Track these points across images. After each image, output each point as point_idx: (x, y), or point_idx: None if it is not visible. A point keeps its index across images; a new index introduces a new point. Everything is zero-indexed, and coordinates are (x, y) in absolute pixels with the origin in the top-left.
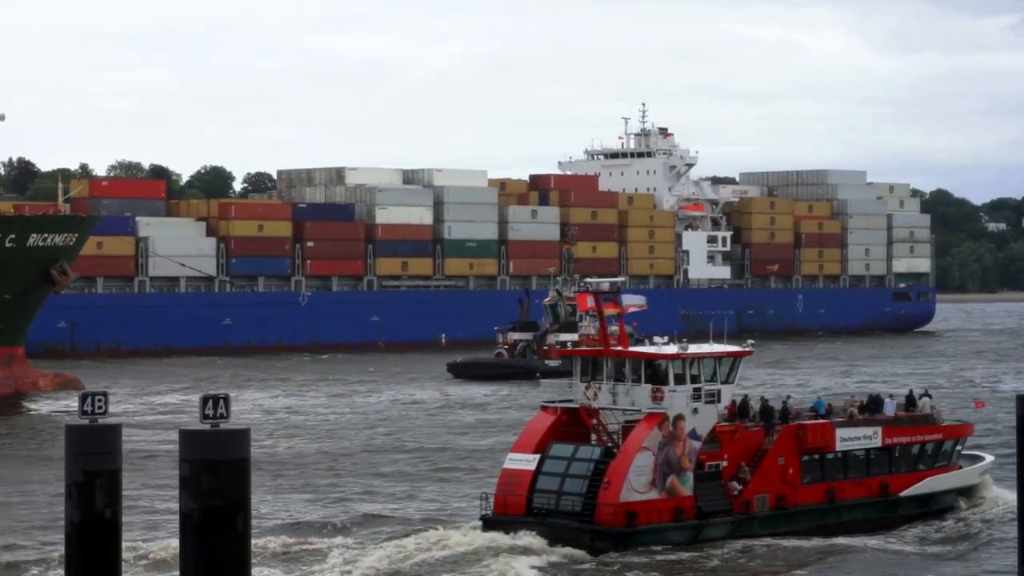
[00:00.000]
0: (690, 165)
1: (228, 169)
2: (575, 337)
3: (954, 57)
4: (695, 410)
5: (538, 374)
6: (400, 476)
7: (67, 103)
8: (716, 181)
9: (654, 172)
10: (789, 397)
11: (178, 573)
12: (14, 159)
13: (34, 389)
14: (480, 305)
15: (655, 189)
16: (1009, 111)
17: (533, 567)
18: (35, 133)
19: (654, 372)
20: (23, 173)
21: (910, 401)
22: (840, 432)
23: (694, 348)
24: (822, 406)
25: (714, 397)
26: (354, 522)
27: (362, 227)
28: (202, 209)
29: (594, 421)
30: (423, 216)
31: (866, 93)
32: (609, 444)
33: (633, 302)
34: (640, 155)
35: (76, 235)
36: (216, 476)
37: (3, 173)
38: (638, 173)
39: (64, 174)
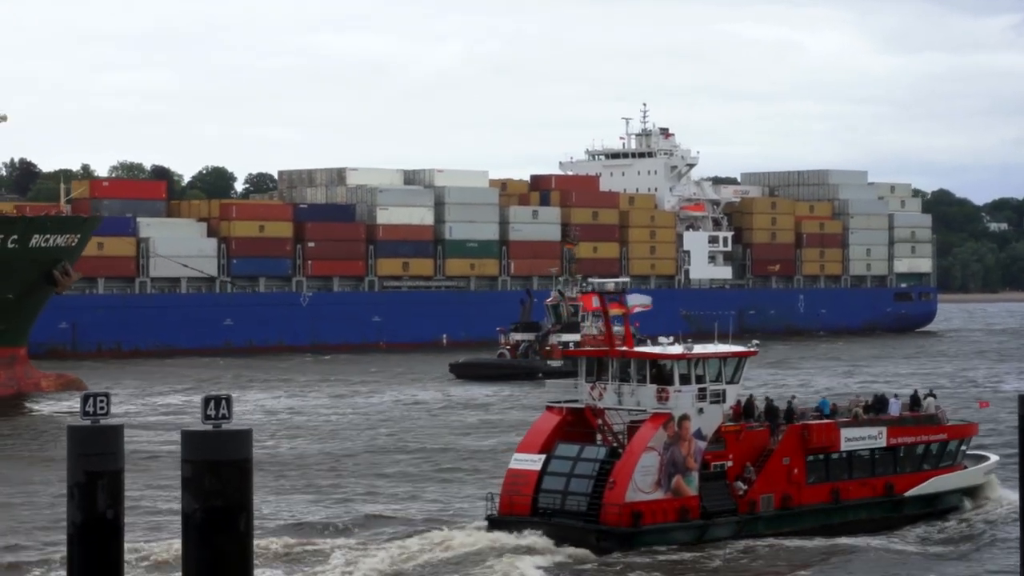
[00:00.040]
0: (691, 165)
1: (230, 170)
2: (577, 337)
3: (955, 57)
4: (700, 410)
5: (540, 374)
6: (402, 476)
7: (67, 103)
8: (717, 181)
9: (655, 172)
10: (794, 397)
11: (180, 574)
12: (15, 160)
13: (36, 390)
14: (481, 305)
15: (656, 189)
16: (1010, 111)
17: (538, 567)
18: (36, 134)
19: (659, 372)
20: (25, 174)
21: (915, 401)
22: (845, 432)
23: (699, 348)
24: (827, 406)
25: (719, 397)
26: (356, 523)
27: (363, 227)
28: (203, 210)
29: (599, 421)
30: (424, 216)
31: (867, 93)
32: (614, 444)
33: (638, 302)
34: (641, 155)
35: (78, 236)
36: (218, 477)
37: (4, 174)
38: (639, 173)
39: (66, 175)
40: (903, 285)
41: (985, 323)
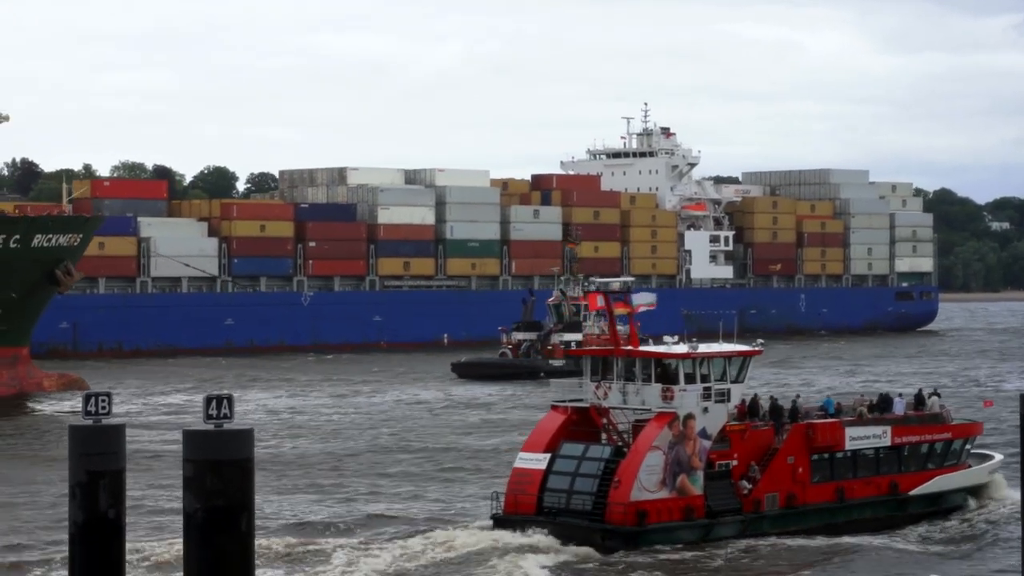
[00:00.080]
0: (692, 165)
1: (231, 169)
2: (579, 337)
3: (955, 57)
4: (705, 409)
5: (542, 374)
6: (405, 476)
7: (67, 103)
8: (718, 181)
9: (656, 172)
10: (798, 396)
11: (182, 573)
12: (17, 160)
13: (39, 389)
14: (482, 305)
15: (657, 189)
16: (1010, 111)
17: (543, 566)
18: (36, 134)
19: (664, 371)
20: (26, 173)
21: (919, 400)
22: (850, 431)
23: (704, 347)
24: (831, 405)
25: (724, 396)
26: (358, 522)
27: (364, 227)
28: (204, 209)
29: (604, 420)
30: (425, 216)
31: (867, 93)
32: (619, 443)
33: (644, 301)
34: (642, 155)
35: (80, 236)
36: (220, 476)
37: (6, 174)
38: (640, 173)
39: (68, 175)
40: (904, 284)
41: (987, 322)
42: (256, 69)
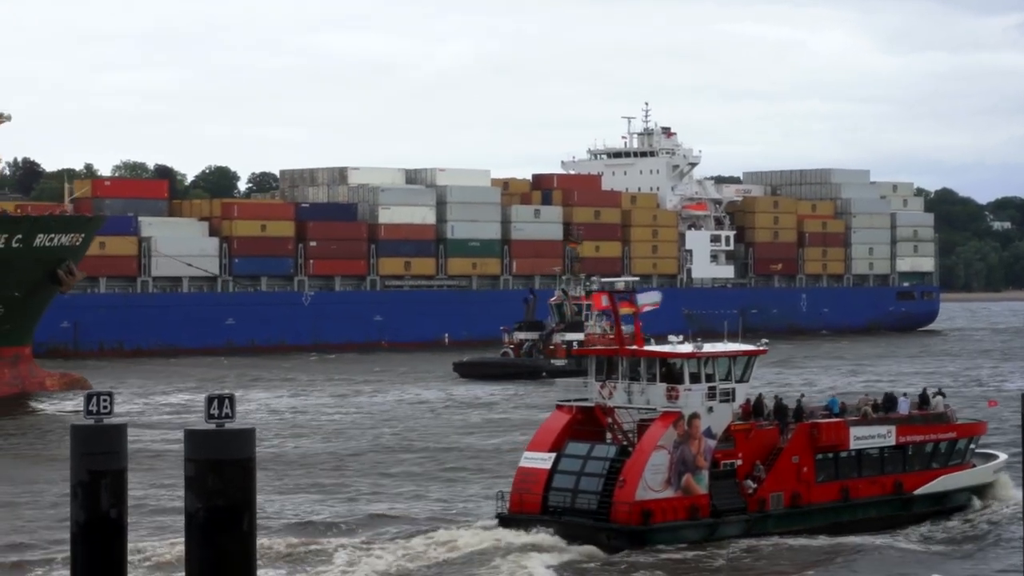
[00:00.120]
0: (693, 164)
1: (233, 169)
2: (581, 336)
3: (957, 56)
4: (710, 409)
5: (544, 373)
6: (407, 476)
7: (68, 103)
8: (719, 180)
9: (657, 171)
10: (803, 396)
11: (183, 573)
12: (19, 159)
13: (41, 389)
14: (483, 305)
15: (658, 188)
16: (1013, 110)
17: (548, 565)
18: (38, 134)
19: (669, 371)
20: (28, 173)
21: (924, 400)
22: (854, 431)
23: (709, 347)
24: (836, 404)
25: (729, 396)
26: (361, 522)
27: (365, 227)
28: (205, 209)
29: (609, 420)
30: (426, 216)
31: (870, 92)
32: (624, 443)
33: (648, 301)
34: (643, 154)
35: (82, 235)
36: (221, 476)
37: (8, 174)
38: (641, 172)
39: (70, 174)
40: (905, 284)
41: (988, 322)
42: (257, 69)
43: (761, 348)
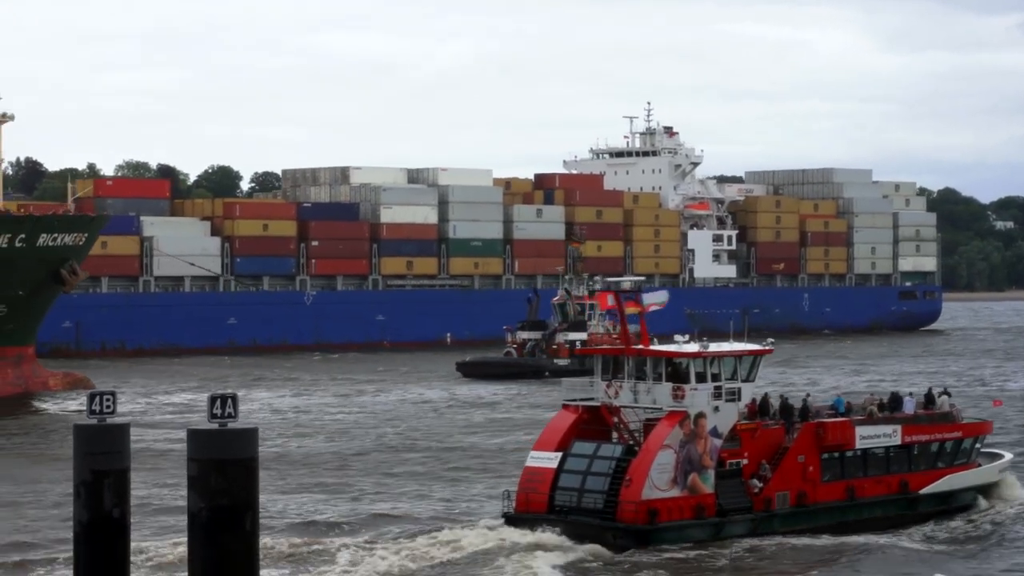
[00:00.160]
0: (695, 164)
1: (235, 169)
2: (584, 336)
3: (959, 56)
4: (716, 408)
5: (547, 373)
6: (410, 475)
7: (68, 104)
8: (721, 180)
9: (659, 171)
10: (808, 395)
11: (186, 573)
12: (22, 159)
13: (44, 388)
14: (485, 304)
15: (660, 188)
16: (1014, 110)
17: (554, 565)
18: (41, 133)
19: (675, 370)
20: (31, 173)
21: (929, 399)
22: (860, 430)
23: (715, 346)
24: (842, 404)
25: (735, 395)
26: (364, 522)
27: (367, 226)
28: (207, 208)
29: (615, 419)
30: (428, 215)
31: (871, 92)
32: (630, 442)
33: (654, 300)
34: (645, 154)
35: (85, 235)
36: (224, 475)
37: (11, 173)
38: (643, 172)
39: (73, 174)
40: (907, 284)
41: (991, 322)
42: (257, 69)
43: (767, 348)
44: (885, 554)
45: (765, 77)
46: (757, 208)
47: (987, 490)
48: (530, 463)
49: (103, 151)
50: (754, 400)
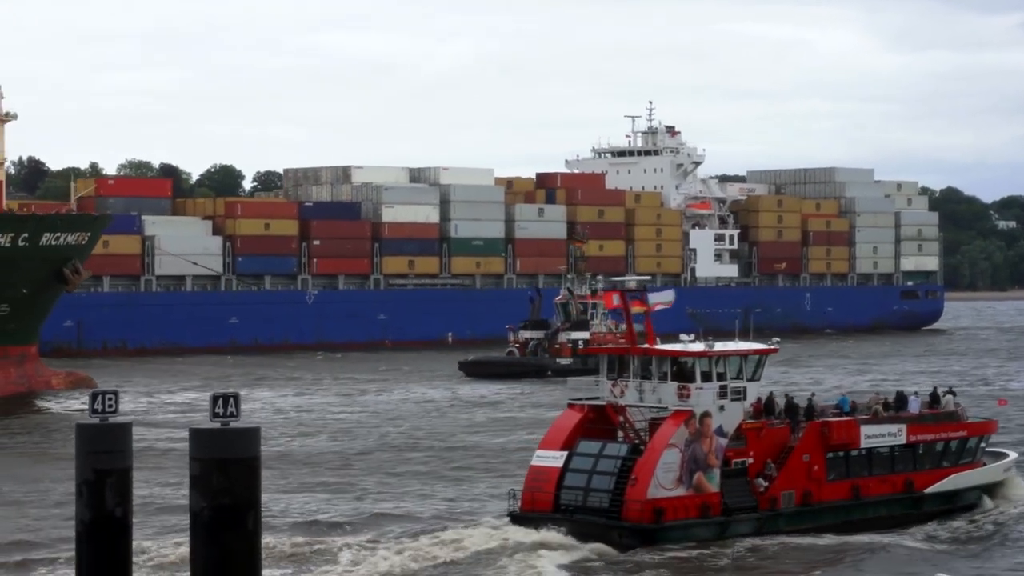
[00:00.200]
0: (697, 163)
1: (238, 168)
2: (587, 335)
3: (962, 55)
4: (721, 407)
5: (550, 372)
6: (413, 475)
7: (68, 103)
8: (723, 179)
9: (661, 170)
10: (814, 395)
11: (188, 572)
12: (24, 158)
13: (47, 388)
14: (487, 303)
15: (662, 187)
16: (1017, 109)
17: (560, 564)
18: (38, 133)
19: (681, 370)
20: (33, 172)
21: (934, 398)
22: (865, 429)
23: (720, 346)
24: (847, 403)
25: (740, 394)
26: (366, 521)
27: (368, 226)
28: (208, 208)
29: (621, 418)
30: (429, 214)
31: (874, 91)
32: (636, 441)
33: (661, 299)
34: (647, 153)
35: (88, 234)
36: (226, 475)
37: (13, 172)
38: (645, 171)
39: (75, 173)
40: (909, 283)
41: (994, 321)
42: (261, 69)
43: (772, 347)
44: (888, 553)
45: (769, 76)
46: (759, 207)
47: (992, 489)
48: (535, 462)
49: (104, 151)
50: (759, 399)
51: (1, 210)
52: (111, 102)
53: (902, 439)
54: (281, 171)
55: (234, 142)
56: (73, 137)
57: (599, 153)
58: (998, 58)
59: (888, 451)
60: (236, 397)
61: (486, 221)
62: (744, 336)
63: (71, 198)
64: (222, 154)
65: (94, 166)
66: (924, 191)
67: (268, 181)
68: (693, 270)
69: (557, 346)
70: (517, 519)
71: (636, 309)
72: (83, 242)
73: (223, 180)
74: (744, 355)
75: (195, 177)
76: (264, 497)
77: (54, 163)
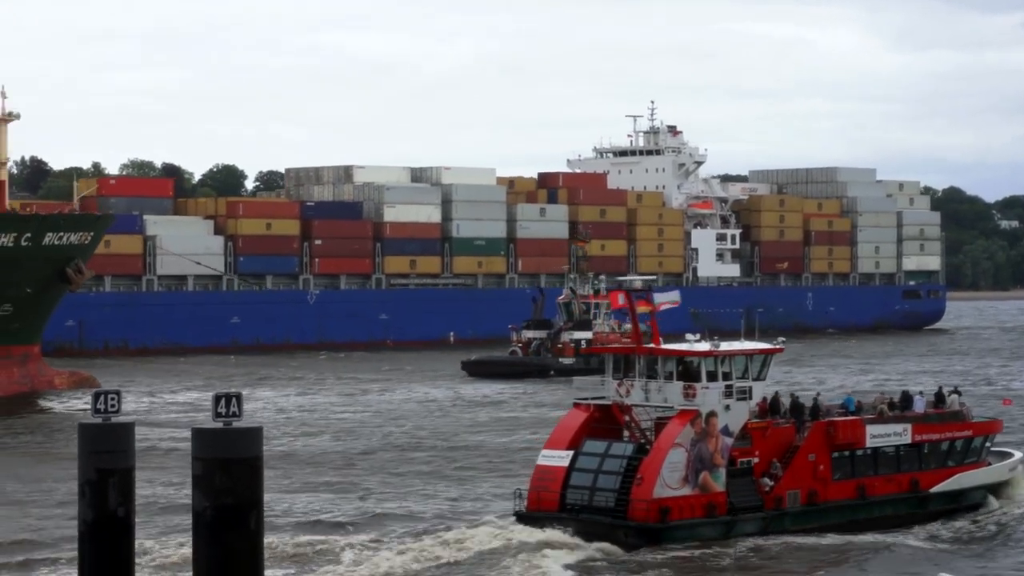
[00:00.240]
0: (699, 163)
1: (240, 168)
2: (589, 335)
3: (963, 55)
4: (727, 407)
5: (552, 372)
6: (416, 474)
7: (68, 103)
8: (725, 179)
9: (663, 170)
10: (819, 394)
11: (191, 572)
12: (27, 158)
13: (50, 387)
14: (489, 303)
15: (664, 187)
16: (1018, 109)
17: (565, 563)
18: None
19: (686, 369)
20: (36, 172)
21: (939, 398)
22: (870, 429)
23: (726, 345)
24: (852, 403)
25: (746, 394)
26: (369, 521)
27: (370, 225)
28: (210, 207)
29: (626, 418)
30: (431, 214)
31: (875, 91)
32: (642, 441)
33: (667, 299)
34: (649, 153)
35: (91, 234)
36: (229, 474)
37: (16, 172)
38: (647, 171)
39: (78, 173)
40: (911, 283)
41: (996, 321)
42: (263, 68)
43: (778, 347)
44: (891, 553)
45: (771, 76)
46: (761, 207)
47: (997, 489)
48: (541, 461)
49: (105, 151)
50: (765, 399)
51: (4, 210)
52: (111, 102)
53: (907, 439)
54: (283, 171)
55: (236, 142)
56: (73, 137)
57: (601, 153)
58: (999, 58)
59: (893, 451)
60: (238, 397)
61: (488, 221)
62: (750, 336)
63: (74, 198)
64: (224, 154)
65: (96, 166)
66: (926, 191)
67: (270, 181)
68: (695, 270)
69: (560, 346)
70: (523, 518)
71: (642, 309)
72: (86, 242)
73: (226, 180)
74: (750, 355)
75: (198, 177)
76: (267, 497)
77: (55, 163)
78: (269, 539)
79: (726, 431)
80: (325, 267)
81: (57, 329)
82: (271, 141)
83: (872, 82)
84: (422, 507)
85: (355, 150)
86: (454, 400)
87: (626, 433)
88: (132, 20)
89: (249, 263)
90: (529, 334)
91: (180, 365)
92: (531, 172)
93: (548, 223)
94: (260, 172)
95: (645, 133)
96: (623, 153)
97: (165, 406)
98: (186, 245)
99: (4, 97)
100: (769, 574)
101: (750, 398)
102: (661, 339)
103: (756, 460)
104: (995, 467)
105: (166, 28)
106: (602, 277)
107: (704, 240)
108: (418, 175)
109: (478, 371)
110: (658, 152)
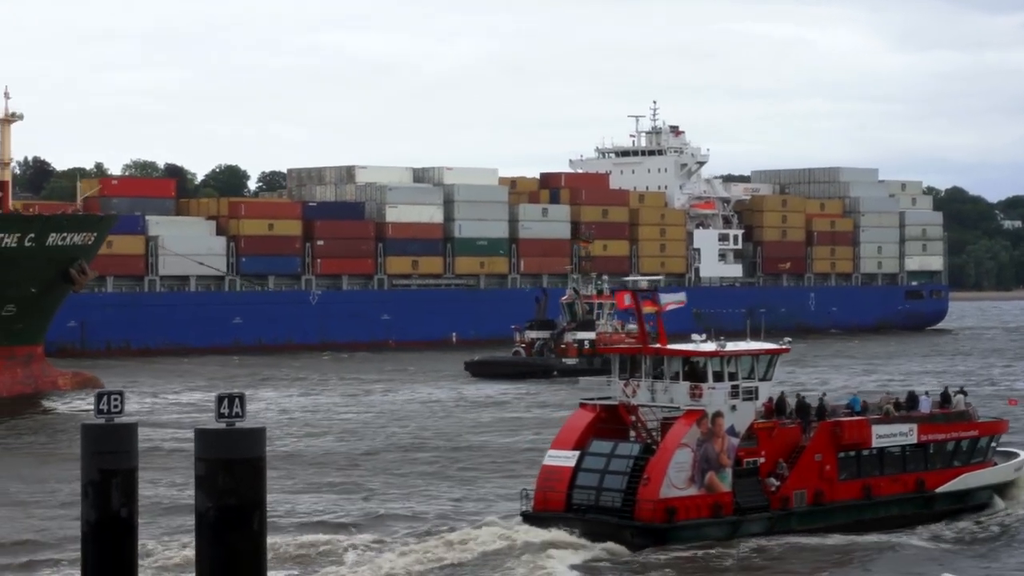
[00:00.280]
0: (701, 163)
1: (243, 168)
2: (592, 335)
3: (966, 55)
4: (733, 407)
5: (555, 372)
6: (420, 475)
7: (69, 103)
8: (728, 179)
9: (665, 170)
10: (824, 394)
11: (194, 572)
12: (30, 158)
13: (53, 388)
14: (491, 303)
15: (666, 187)
16: (1021, 109)
17: (572, 563)
18: (49, 133)
19: (693, 369)
20: (39, 172)
21: (945, 398)
22: (876, 429)
23: (732, 345)
24: (858, 403)
25: (752, 394)
26: (372, 521)
27: (372, 226)
28: (212, 208)
29: (633, 418)
30: (433, 214)
31: (877, 91)
32: (648, 441)
33: (673, 299)
34: (651, 153)
35: (94, 234)
36: (231, 475)
37: (19, 172)
38: (649, 171)
39: (81, 173)
40: (914, 283)
41: (999, 321)
42: (264, 69)
43: (784, 347)
44: (896, 553)
45: (773, 76)
46: (763, 207)
47: (1003, 489)
48: (548, 462)
49: (106, 151)
50: (771, 399)
51: (7, 210)
52: (111, 102)
53: (913, 439)
54: (285, 171)
55: (238, 142)
56: (74, 137)
57: (603, 153)
58: (1002, 58)
59: (899, 451)
60: (241, 397)
61: (490, 221)
62: (755, 336)
63: (77, 198)
64: (227, 154)
65: (99, 166)
66: (929, 191)
67: (273, 181)
68: (697, 270)
69: (563, 346)
70: (529, 518)
71: (648, 309)
72: (89, 242)
73: (228, 180)
74: (756, 355)
75: (200, 177)
76: (269, 497)
77: (58, 164)
78: (272, 540)
79: (732, 431)
80: (327, 267)
81: (59, 330)
82: (271, 141)
83: (873, 82)
84: (426, 508)
85: (355, 150)
86: (457, 401)
87: (632, 433)
88: (132, 20)
89: (251, 263)
90: (533, 334)
91: (183, 366)
92: (533, 172)
93: (550, 223)
94: (263, 172)
95: (647, 133)
96: (625, 153)
97: (168, 407)
98: (188, 246)
99: (7, 98)
100: (774, 574)
101: (756, 398)
102: (667, 339)
103: (762, 460)
104: (1001, 467)
105: (166, 28)
106: (605, 277)
107: (706, 240)
108: (420, 175)
109: (481, 371)
110: (660, 152)
